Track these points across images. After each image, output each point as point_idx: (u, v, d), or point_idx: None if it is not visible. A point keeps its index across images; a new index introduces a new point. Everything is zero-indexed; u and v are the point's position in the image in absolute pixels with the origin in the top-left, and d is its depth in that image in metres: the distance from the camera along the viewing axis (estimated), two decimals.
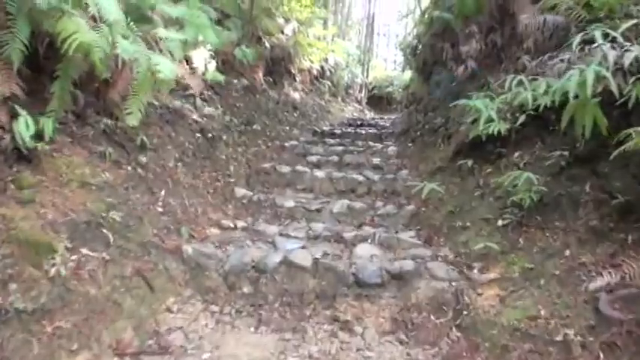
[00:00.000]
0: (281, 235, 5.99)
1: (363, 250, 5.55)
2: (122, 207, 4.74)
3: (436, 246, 5.70)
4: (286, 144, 10.15)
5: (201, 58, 9.09)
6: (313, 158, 9.22)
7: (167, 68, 5.41)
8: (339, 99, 20.19)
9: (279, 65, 14.42)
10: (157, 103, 7.06)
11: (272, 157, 9.17)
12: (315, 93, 17.33)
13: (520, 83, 5.67)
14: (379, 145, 10.66)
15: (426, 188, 6.37)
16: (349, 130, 13.54)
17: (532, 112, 5.48)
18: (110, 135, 5.52)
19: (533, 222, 4.91)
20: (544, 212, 4.88)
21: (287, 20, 15.18)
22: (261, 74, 12.92)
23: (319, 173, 8.12)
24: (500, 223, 5.25)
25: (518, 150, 6.10)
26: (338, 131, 13.21)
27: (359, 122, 16.26)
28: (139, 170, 5.60)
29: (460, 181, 6.84)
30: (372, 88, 27.11)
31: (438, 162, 7.93)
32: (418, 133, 10.16)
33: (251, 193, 7.25)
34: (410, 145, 10.04)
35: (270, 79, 13.41)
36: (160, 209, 5.41)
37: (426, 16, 15.34)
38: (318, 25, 18.84)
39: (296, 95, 14.94)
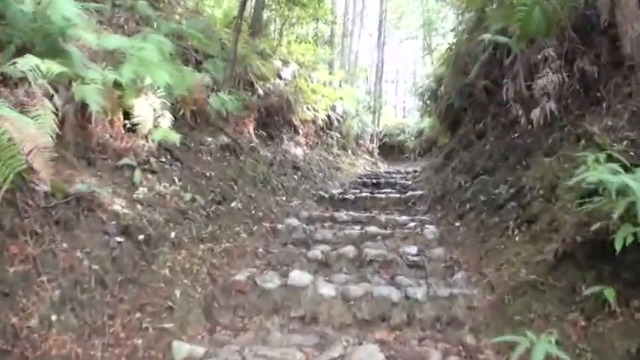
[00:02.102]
0: None
1: None
2: None
3: None
4: (279, 226, 6.81)
5: (148, 108, 5.90)
6: (317, 252, 5.86)
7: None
8: (349, 152, 16.93)
9: (276, 116, 11.26)
10: (39, 188, 3.80)
11: (254, 256, 5.81)
12: (322, 147, 14.09)
13: None
14: (410, 222, 7.29)
15: (538, 352, 2.98)
16: (364, 193, 10.20)
17: None
18: None
19: None
20: None
21: (285, 63, 12.05)
22: (251, 128, 9.71)
23: (327, 289, 4.71)
24: None
25: None
26: (351, 196, 9.87)
27: (374, 180, 12.91)
28: None
29: (589, 327, 3.48)
30: (383, 137, 24.02)
31: (523, 268, 4.54)
32: (467, 205, 6.78)
33: (203, 350, 3.81)
34: (457, 224, 6.65)
35: (264, 134, 10.18)
36: None
37: (451, 51, 12.21)
38: (323, 68, 15.75)
39: (298, 151, 11.68)
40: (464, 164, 8.38)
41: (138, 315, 3.84)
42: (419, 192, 10.25)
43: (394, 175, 14.51)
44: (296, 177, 9.74)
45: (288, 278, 4.89)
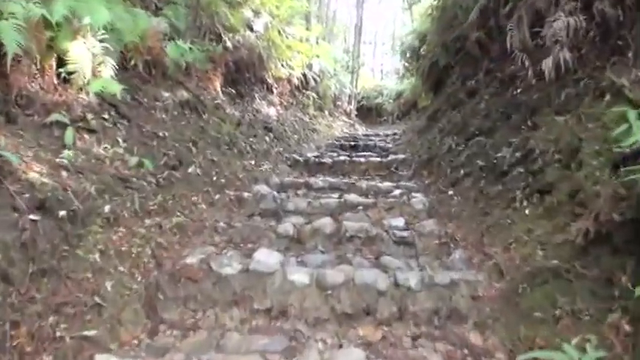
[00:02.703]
0: None
1: None
2: None
3: None
4: (246, 194, 5.82)
5: (86, 54, 4.82)
6: (288, 226, 4.91)
7: None
8: (326, 113, 15.88)
9: (246, 72, 10.16)
10: None
11: (213, 232, 4.81)
12: (297, 107, 13.03)
13: None
14: (395, 190, 6.36)
15: None
16: (343, 157, 9.22)
17: None
18: None
19: None
20: None
21: (257, 13, 10.86)
22: (217, 84, 8.63)
23: (298, 275, 3.77)
24: None
25: None
26: (328, 160, 8.91)
27: (352, 142, 11.94)
28: None
29: (638, 334, 2.64)
30: (361, 99, 23.02)
31: (539, 250, 3.67)
32: (461, 171, 5.86)
33: None
34: (450, 192, 5.74)
35: (233, 91, 9.10)
36: None
37: (438, 2, 11.14)
38: (299, 24, 14.56)
39: (271, 111, 10.63)
40: (453, 125, 7.44)
41: (52, 319, 2.86)
42: (401, 155, 9.33)
43: (373, 138, 13.55)
44: (268, 139, 8.71)
45: (252, 260, 3.93)
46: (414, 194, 6.01)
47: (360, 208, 5.52)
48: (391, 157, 9.18)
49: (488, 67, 7.46)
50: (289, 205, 5.60)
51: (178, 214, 4.68)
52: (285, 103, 12.08)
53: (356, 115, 20.41)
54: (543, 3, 5.44)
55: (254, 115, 9.14)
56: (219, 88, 8.65)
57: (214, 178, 5.82)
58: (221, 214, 5.21)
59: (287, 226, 4.86)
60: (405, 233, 4.76)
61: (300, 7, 13.75)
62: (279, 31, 11.93)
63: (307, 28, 15.17)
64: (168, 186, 4.92)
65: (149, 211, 4.38)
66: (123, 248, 3.73)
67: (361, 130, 17.60)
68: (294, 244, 4.69)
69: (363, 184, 6.57)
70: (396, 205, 5.61)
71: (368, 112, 23.46)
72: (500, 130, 5.59)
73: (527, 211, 4.24)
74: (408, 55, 14.75)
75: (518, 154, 4.85)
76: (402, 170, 8.19)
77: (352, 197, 5.89)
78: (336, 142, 12.07)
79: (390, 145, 11.40)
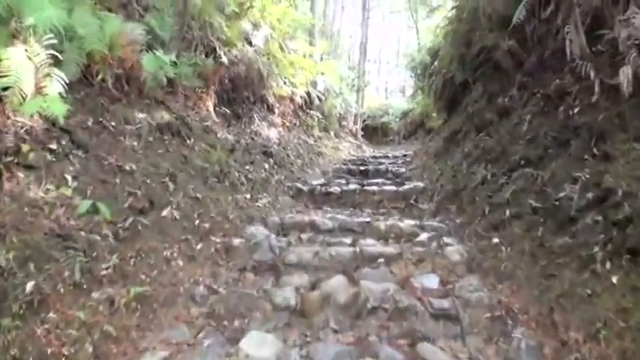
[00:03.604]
0: None
1: None
2: None
3: None
4: (237, 240, 4.61)
5: (27, 63, 3.64)
6: (289, 293, 3.66)
7: None
8: (332, 134, 14.68)
9: (244, 90, 9.00)
10: None
11: (189, 302, 3.54)
12: (301, 128, 11.85)
13: None
14: (420, 232, 5.13)
15: None
16: (353, 185, 8.01)
17: None
18: None
19: None
20: None
21: (256, 26, 9.73)
22: (210, 103, 7.50)
23: None
24: None
25: None
26: (336, 189, 7.70)
27: (361, 167, 10.72)
28: None
29: None
30: (366, 118, 21.95)
31: None
32: (506, 211, 4.58)
33: None
34: (494, 239, 4.47)
35: (228, 112, 7.94)
36: None
37: (454, 13, 9.98)
38: (303, 39, 13.45)
39: (271, 133, 9.44)
40: (484, 151, 6.22)
41: None
42: (418, 183, 8.10)
43: (382, 161, 12.35)
44: (267, 165, 7.49)
45: (237, 353, 2.71)
46: (445, 239, 4.78)
47: (381, 261, 4.28)
48: (407, 185, 7.95)
49: (521, 81, 6.27)
50: (291, 256, 4.36)
51: (142, 278, 3.45)
52: (287, 124, 10.90)
53: (362, 135, 19.24)
54: None
55: (252, 139, 7.95)
56: (211, 108, 7.50)
57: (197, 222, 4.59)
58: (203, 272, 3.96)
59: (287, 293, 3.61)
60: (445, 303, 3.50)
61: (304, 21, 12.65)
62: (280, 46, 10.79)
63: (311, 44, 14.06)
64: (131, 238, 3.70)
65: (99, 279, 3.16)
66: (49, 349, 2.50)
67: (369, 151, 16.39)
68: (297, 318, 3.43)
69: (381, 224, 5.32)
70: (426, 256, 4.37)
71: (373, 131, 22.39)
72: (556, 160, 4.37)
73: (614, 279, 3.01)
74: (418, 71, 13.59)
75: (589, 195, 3.62)
76: (423, 202, 6.97)
77: (369, 244, 4.67)
78: (344, 167, 10.85)
79: (402, 170, 10.17)
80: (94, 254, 3.25)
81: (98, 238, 3.40)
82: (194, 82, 6.74)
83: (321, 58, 15.02)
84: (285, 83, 10.69)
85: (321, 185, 8.21)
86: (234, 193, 5.74)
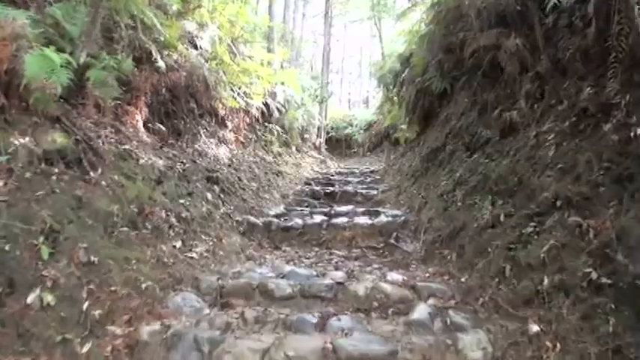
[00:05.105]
0: None
1: None
2: None
3: None
4: (145, 330, 2.96)
5: None
6: None
7: None
8: (293, 149, 13.06)
9: (187, 101, 7.36)
10: None
11: None
12: (258, 144, 10.19)
13: None
14: (416, 302, 3.56)
15: None
16: (317, 217, 6.46)
17: None
18: None
19: None
20: None
21: (202, 26, 8.10)
22: (139, 118, 5.84)
23: None
24: None
25: None
26: (297, 222, 6.18)
27: (327, 188, 9.18)
28: None
29: None
30: (329, 130, 20.63)
31: None
32: (543, 278, 3.05)
33: None
34: (532, 325, 2.91)
35: (163, 129, 6.26)
36: None
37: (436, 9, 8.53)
38: (261, 46, 11.86)
39: (221, 152, 7.79)
40: (485, 178, 4.72)
41: None
42: (396, 212, 6.62)
43: (350, 179, 10.85)
44: (210, 196, 5.82)
45: None
46: (452, 314, 3.24)
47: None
48: (383, 214, 6.43)
49: (530, 90, 4.84)
50: (226, 358, 2.75)
51: None
52: (242, 140, 9.25)
53: (326, 149, 17.71)
54: None
55: (193, 161, 6.27)
56: (140, 125, 5.82)
57: (85, 305, 2.91)
58: None
59: None
60: None
61: (261, 23, 11.06)
62: (232, 51, 9.17)
63: (270, 51, 12.45)
64: None
65: None
66: None
67: (333, 166, 14.85)
68: None
69: (359, 287, 3.71)
70: (432, 354, 2.81)
71: (337, 143, 21.13)
72: (615, 203, 2.90)
73: None
74: (387, 81, 12.14)
75: None
76: (406, 240, 5.47)
77: (346, 326, 3.09)
78: (307, 188, 9.27)
79: (373, 192, 8.67)
80: None
81: None
82: (110, 91, 5.05)
83: (282, 67, 13.43)
84: (239, 94, 9.06)
85: (280, 216, 6.64)
86: (158, 244, 4.07)
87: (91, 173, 4.01)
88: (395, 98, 12.51)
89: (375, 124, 20.22)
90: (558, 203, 3.32)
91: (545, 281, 3.00)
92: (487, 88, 6.03)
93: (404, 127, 11.98)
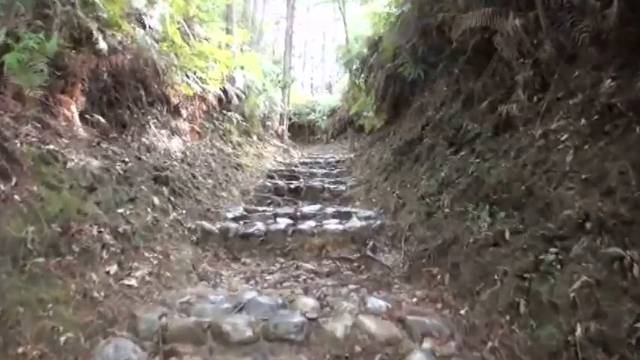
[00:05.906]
0: None
1: None
2: None
3: None
4: None
5: None
6: None
7: None
8: (255, 138, 12.14)
9: (135, 88, 6.42)
10: None
11: None
12: (216, 134, 9.26)
13: None
14: (405, 344, 2.83)
15: None
16: (282, 221, 5.68)
17: None
18: None
19: None
20: None
21: (152, 2, 7.11)
22: (74, 108, 4.93)
23: None
24: None
25: None
26: (259, 227, 5.38)
27: (292, 183, 8.40)
28: None
29: None
30: (292, 116, 19.67)
31: None
32: (576, 326, 2.36)
33: None
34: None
35: (104, 121, 5.33)
36: None
37: None
38: (219, 27, 10.86)
39: (174, 144, 6.89)
40: (479, 182, 4.03)
41: None
42: (369, 213, 5.91)
43: (315, 170, 10.09)
44: (158, 200, 4.92)
45: None
46: None
47: None
48: (356, 218, 5.68)
49: (529, 78, 4.14)
50: None
51: None
52: (198, 130, 8.32)
53: (288, 136, 16.83)
54: None
55: (138, 159, 5.36)
56: (76, 117, 4.89)
57: None
58: None
59: None
60: None
61: (219, 1, 10.08)
62: (186, 32, 8.20)
63: (228, 32, 11.46)
64: None
65: None
66: None
67: (297, 155, 14.02)
68: None
69: (337, 326, 2.93)
70: None
71: (300, 129, 20.30)
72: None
73: None
74: (354, 66, 11.35)
75: None
76: (384, 249, 4.76)
77: None
78: (269, 183, 8.43)
79: (342, 188, 7.92)
80: None
81: None
82: (33, 78, 4.11)
83: (241, 50, 12.44)
84: (194, 79, 8.11)
85: (239, 219, 5.82)
86: (87, 272, 3.20)
87: (1, 186, 3.10)
88: (362, 84, 11.74)
89: (339, 109, 19.54)
90: (588, 226, 2.62)
91: (578, 330, 2.30)
92: (471, 76, 5.32)
93: (370, 114, 11.27)
